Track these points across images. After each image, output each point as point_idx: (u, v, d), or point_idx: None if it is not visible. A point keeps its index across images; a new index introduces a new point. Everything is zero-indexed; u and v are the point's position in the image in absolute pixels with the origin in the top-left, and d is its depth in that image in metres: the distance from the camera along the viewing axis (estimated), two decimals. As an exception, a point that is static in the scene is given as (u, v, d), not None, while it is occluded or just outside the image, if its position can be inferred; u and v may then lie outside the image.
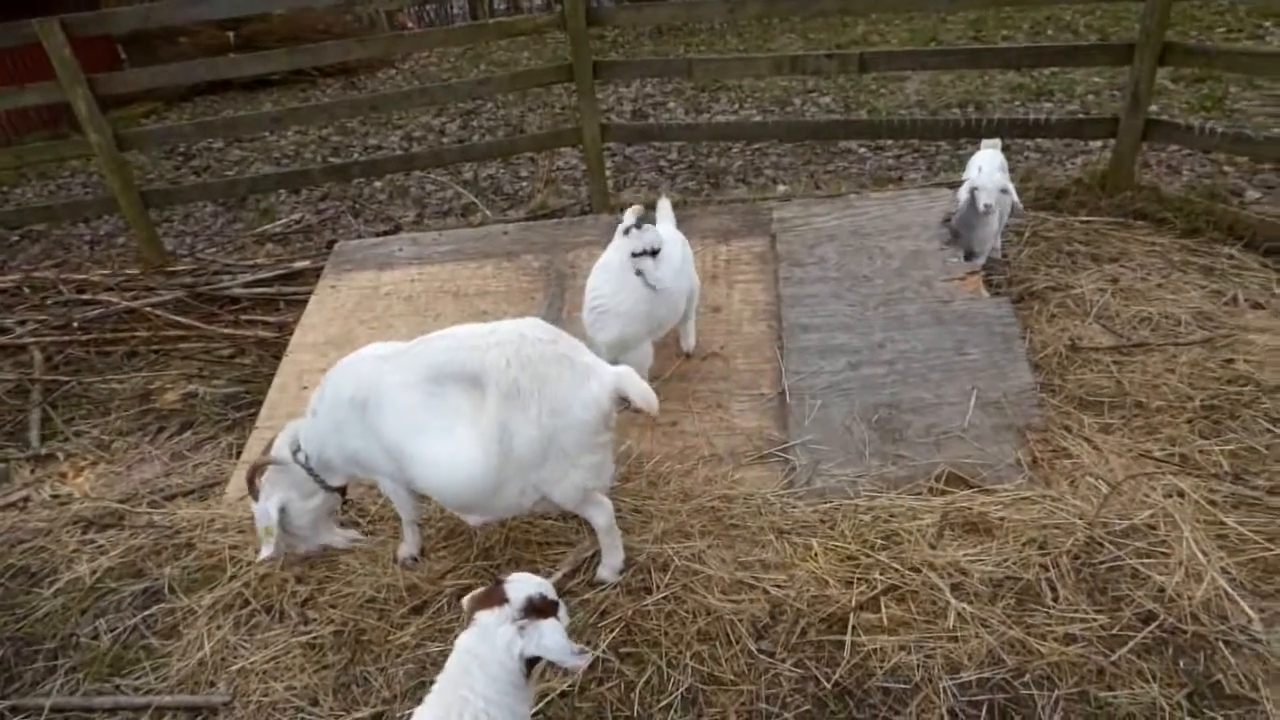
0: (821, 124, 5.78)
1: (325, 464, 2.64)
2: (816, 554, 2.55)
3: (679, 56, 9.24)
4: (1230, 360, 3.46)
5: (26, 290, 5.57)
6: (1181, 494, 2.71)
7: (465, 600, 1.78)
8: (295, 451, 2.59)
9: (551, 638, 1.65)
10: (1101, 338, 3.78)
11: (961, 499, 2.70)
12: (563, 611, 1.77)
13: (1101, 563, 2.46)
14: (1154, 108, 6.83)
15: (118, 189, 5.44)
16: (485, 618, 1.66)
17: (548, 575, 2.67)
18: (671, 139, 6.48)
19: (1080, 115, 6.72)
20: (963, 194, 3.68)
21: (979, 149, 4.17)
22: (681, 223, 3.95)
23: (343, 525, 3.02)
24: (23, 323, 5.10)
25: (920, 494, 2.76)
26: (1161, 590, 2.36)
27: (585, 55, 5.25)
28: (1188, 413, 3.16)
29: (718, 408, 3.18)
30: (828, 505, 2.76)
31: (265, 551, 2.64)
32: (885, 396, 3.09)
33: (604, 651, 2.38)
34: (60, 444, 4.08)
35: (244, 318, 4.95)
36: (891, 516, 2.67)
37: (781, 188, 6.21)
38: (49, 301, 5.36)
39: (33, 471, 3.94)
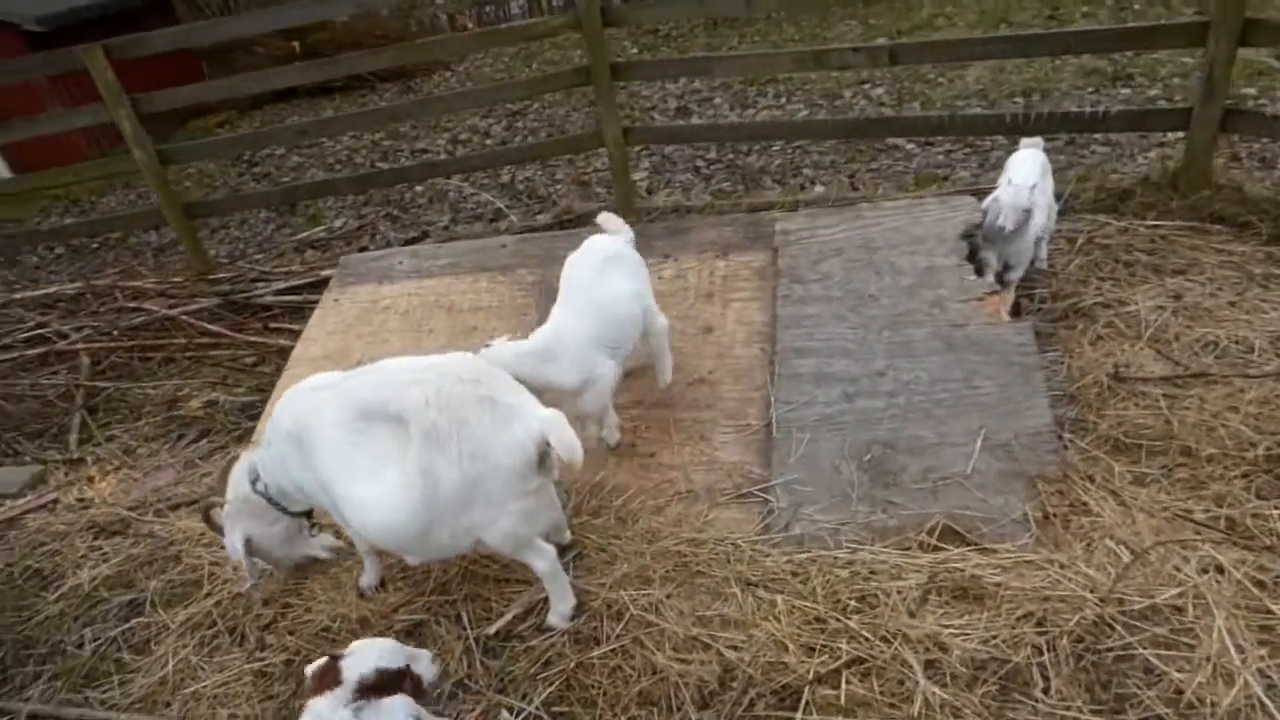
0: (859, 122, 5.42)
1: (282, 493, 2.61)
2: (781, 614, 2.31)
3: (700, 55, 8.89)
4: (1313, 401, 2.99)
5: (89, 297, 5.83)
6: (1221, 569, 2.27)
7: (307, 672, 1.64)
8: (254, 481, 2.56)
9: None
10: (1153, 365, 3.33)
11: (954, 558, 2.39)
12: (427, 666, 1.61)
13: (1109, 650, 2.10)
14: (1251, 90, 6.16)
15: (162, 201, 5.60)
16: (317, 704, 1.52)
17: (499, 615, 2.55)
18: (699, 140, 6.22)
19: (1151, 105, 6.08)
20: (989, 204, 3.34)
21: (1018, 148, 3.78)
22: (677, 235, 3.75)
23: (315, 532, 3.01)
24: (80, 329, 5.32)
25: (909, 548, 2.47)
26: (1179, 692, 1.97)
27: (602, 57, 5.07)
28: (1245, 464, 2.68)
29: (700, 439, 2.96)
30: (803, 555, 2.51)
31: (245, 586, 2.66)
32: (881, 433, 2.81)
33: (536, 708, 2.22)
34: (93, 448, 4.23)
35: (272, 325, 5.03)
36: (872, 574, 2.40)
37: (818, 188, 5.88)
38: (104, 309, 5.58)
39: (66, 474, 4.09)
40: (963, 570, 2.34)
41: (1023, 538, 2.42)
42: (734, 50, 10.40)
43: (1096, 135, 5.76)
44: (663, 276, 3.54)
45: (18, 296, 5.80)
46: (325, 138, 9.16)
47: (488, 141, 8.71)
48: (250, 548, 2.66)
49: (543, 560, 2.33)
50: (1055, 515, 2.51)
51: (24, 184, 8.21)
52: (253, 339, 4.75)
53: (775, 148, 6.82)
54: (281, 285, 5.22)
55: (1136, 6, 8.83)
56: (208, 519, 2.66)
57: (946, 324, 3.06)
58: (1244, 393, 3.07)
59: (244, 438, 3.85)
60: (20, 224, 9.16)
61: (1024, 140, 3.82)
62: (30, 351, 4.98)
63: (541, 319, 3.52)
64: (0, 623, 3.11)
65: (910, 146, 6.34)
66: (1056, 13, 9.09)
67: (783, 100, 8.03)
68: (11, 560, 3.46)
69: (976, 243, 3.41)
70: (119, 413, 4.50)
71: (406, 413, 2.10)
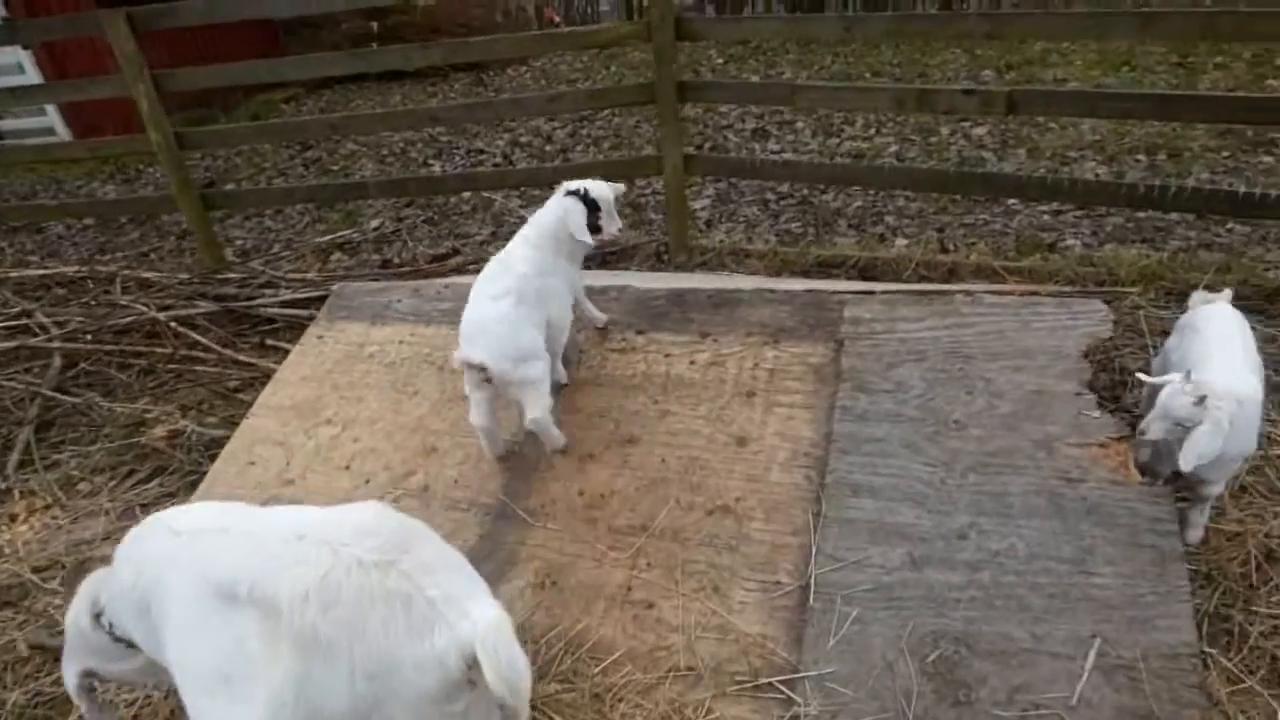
0: (956, 176, 4.65)
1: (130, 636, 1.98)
2: None
3: (782, 82, 8.11)
4: None
5: (89, 283, 5.45)
6: None
7: None
8: (99, 615, 1.95)
9: None
10: (1317, 540, 2.57)
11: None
12: None
13: None
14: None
15: (176, 188, 5.19)
16: None
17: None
18: (768, 178, 5.52)
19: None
20: (1175, 404, 2.10)
21: (1196, 303, 2.60)
22: (722, 309, 3.09)
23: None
24: (63, 323, 4.90)
25: (979, 812, 1.78)
26: None
27: (669, 74, 4.42)
28: None
29: (714, 592, 2.30)
30: (832, 798, 1.84)
31: None
32: (955, 622, 2.10)
33: None
34: (30, 474, 3.75)
35: (269, 342, 4.53)
36: None
37: (900, 242, 5.13)
38: (98, 301, 5.18)
39: (-7, 506, 3.59)
40: None
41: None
42: (825, 69, 9.64)
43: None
44: (695, 362, 2.89)
45: (14, 275, 5.43)
46: (353, 135, 8.69)
47: (548, 147, 8.18)
48: (94, 683, 2.06)
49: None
50: (1194, 796, 1.78)
51: (74, 150, 8.02)
52: (242, 358, 4.25)
53: (857, 187, 6.08)
54: (289, 295, 4.73)
55: (1278, 62, 7.77)
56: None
57: (1055, 475, 2.33)
58: None
59: (197, 484, 3.33)
60: (60, 186, 8.98)
61: (1197, 295, 2.66)
62: (2, 344, 4.55)
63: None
64: None
65: (1013, 201, 5.53)
66: (1186, 61, 8.09)
67: (871, 132, 7.26)
68: None
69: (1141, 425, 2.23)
70: (76, 429, 4.01)
71: (279, 606, 1.49)
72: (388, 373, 3.22)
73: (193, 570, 1.62)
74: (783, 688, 2.08)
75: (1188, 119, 5.41)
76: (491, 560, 2.53)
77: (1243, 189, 4.11)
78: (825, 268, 4.69)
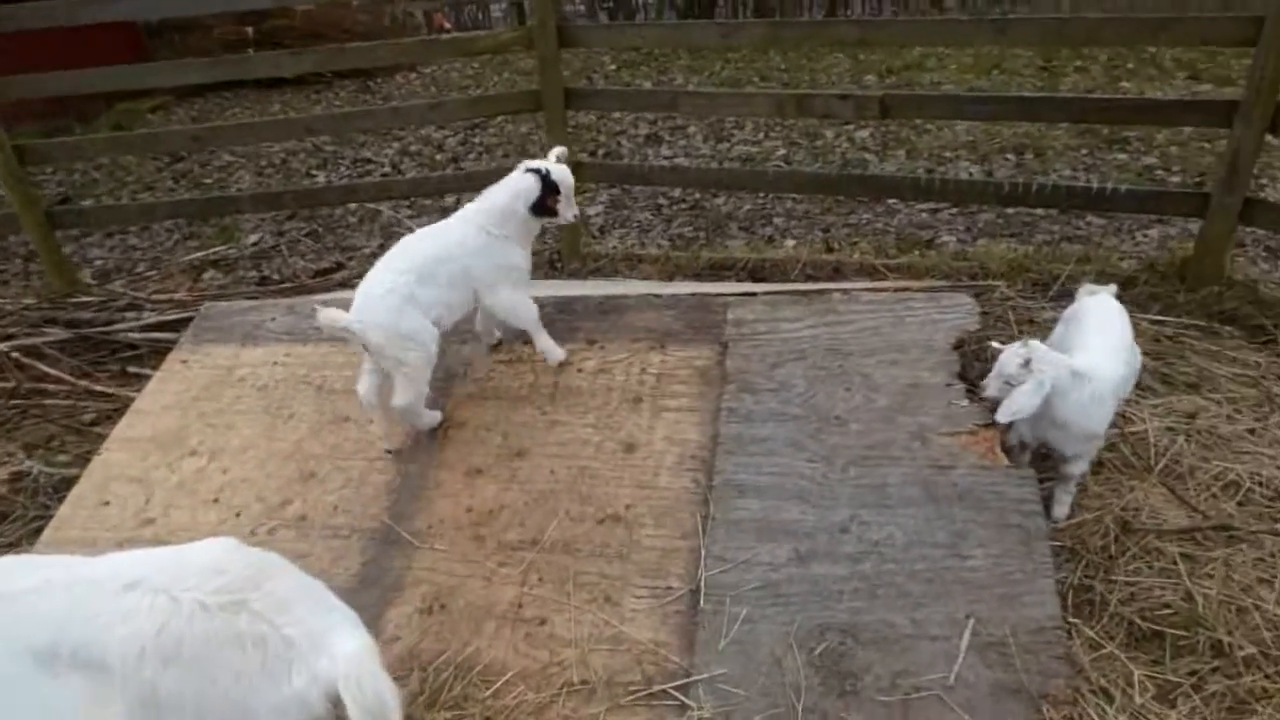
0: (837, 178, 4.81)
1: None
2: None
3: (666, 90, 8.24)
4: (1360, 572, 2.42)
5: (-75, 311, 4.95)
6: None
7: None
8: None
9: None
10: (1167, 511, 2.74)
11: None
12: None
13: None
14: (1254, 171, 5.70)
15: (18, 206, 4.77)
16: None
17: None
18: (658, 183, 5.55)
19: (1157, 186, 5.54)
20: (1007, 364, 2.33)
21: (1082, 295, 2.80)
22: (608, 317, 3.07)
23: None
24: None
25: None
26: None
27: (556, 81, 4.39)
28: None
29: (606, 602, 2.28)
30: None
31: None
32: (841, 614, 2.15)
33: None
34: None
35: (132, 370, 4.21)
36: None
37: (789, 243, 5.26)
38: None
39: None
40: None
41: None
42: (716, 75, 9.81)
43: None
44: (583, 370, 2.86)
45: None
46: (221, 147, 8.24)
47: (439, 156, 7.99)
48: None
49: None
50: (1064, 761, 1.87)
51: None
52: (100, 388, 3.94)
53: (746, 191, 6.19)
54: (154, 318, 4.42)
55: (1130, 65, 8.42)
56: None
57: (929, 464, 2.41)
58: (1275, 557, 2.55)
59: (41, 532, 3.04)
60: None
61: (1087, 286, 2.88)
62: None
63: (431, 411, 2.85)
64: None
65: (893, 200, 5.75)
66: (1050, 64, 8.65)
67: (761, 136, 7.42)
68: None
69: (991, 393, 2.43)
70: (-101, 476, 3.64)
71: (111, 663, 1.36)
72: (260, 396, 3.04)
73: (5, 631, 1.46)
74: (676, 693, 2.08)
75: (1047, 119, 5.77)
76: (376, 587, 2.43)
77: (1095, 184, 4.39)
78: (717, 270, 4.74)
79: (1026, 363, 2.26)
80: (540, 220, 2.89)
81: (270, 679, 1.36)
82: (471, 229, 2.82)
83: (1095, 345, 2.47)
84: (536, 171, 2.85)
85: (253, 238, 6.34)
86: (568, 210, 2.92)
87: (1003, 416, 2.26)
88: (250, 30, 11.81)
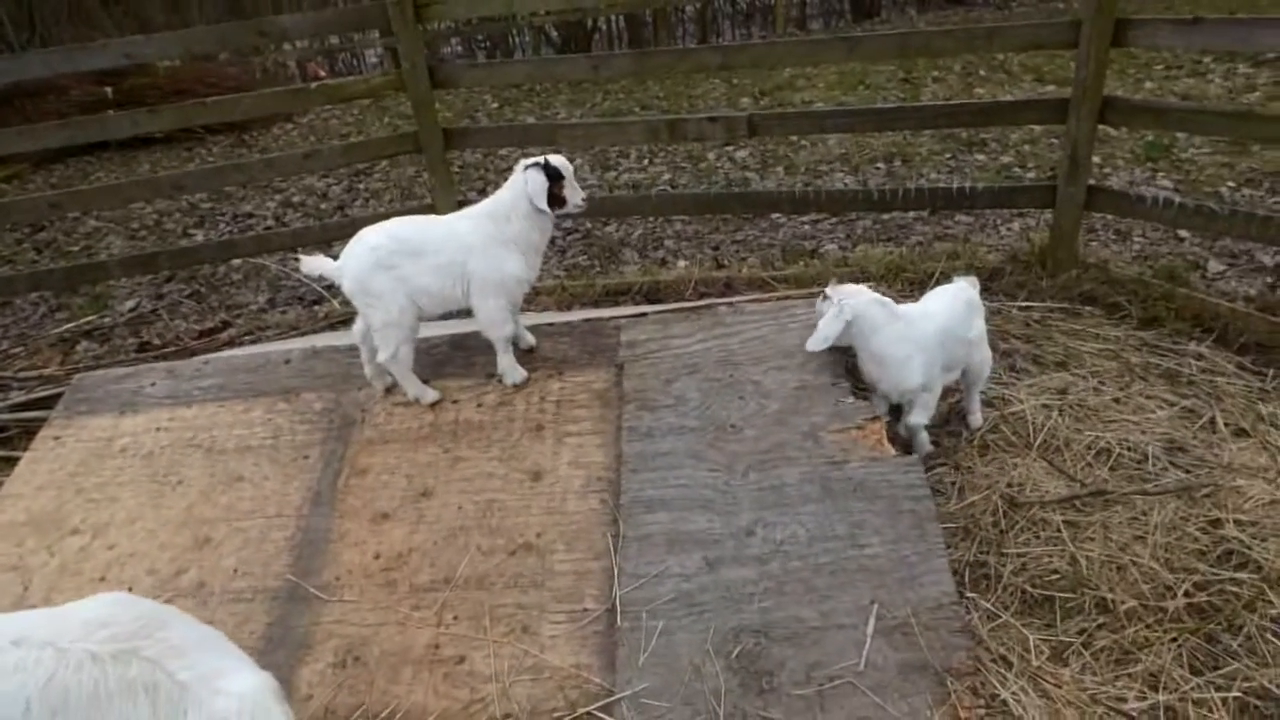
0: (719, 197, 4.97)
1: None
2: None
3: (542, 123, 8.44)
4: (1217, 522, 2.65)
5: None
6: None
7: None
8: None
9: None
10: (1049, 482, 2.95)
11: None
12: None
13: None
14: (1095, 159, 6.21)
15: None
16: None
17: None
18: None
19: (1013, 182, 6.00)
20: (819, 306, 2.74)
21: (948, 282, 3.06)
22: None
23: None
24: None
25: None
26: None
27: (433, 122, 4.40)
28: (1169, 621, 2.32)
29: (524, 632, 2.26)
30: (657, 815, 1.85)
31: None
32: (752, 615, 2.21)
33: None
34: None
35: (0, 453, 3.93)
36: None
37: (681, 264, 5.39)
38: None
39: None
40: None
41: (936, 767, 1.86)
42: (598, 106, 10.00)
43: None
44: (483, 404, 2.85)
45: None
46: (84, 211, 7.87)
47: (323, 204, 7.83)
48: None
49: None
50: (970, 723, 1.97)
51: None
52: (-34, 475, 3.67)
53: (635, 216, 6.32)
54: (21, 397, 4.15)
55: (982, 73, 9.07)
56: None
57: (823, 461, 2.52)
58: (1146, 516, 2.79)
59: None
60: None
61: (957, 279, 3.11)
62: None
63: (324, 465, 2.78)
64: None
65: (776, 215, 5.99)
66: (910, 76, 9.21)
67: (645, 162, 7.60)
68: None
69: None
70: None
71: None
72: (145, 465, 2.89)
73: None
74: (601, 715, 2.08)
75: (904, 127, 6.15)
76: (284, 648, 2.34)
77: (956, 185, 4.71)
78: (613, 296, 4.81)
79: (826, 298, 2.66)
80: (550, 217, 2.89)
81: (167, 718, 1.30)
82: (472, 224, 2.86)
83: (920, 303, 2.86)
84: (536, 163, 2.87)
85: (129, 303, 6.03)
86: (575, 195, 2.95)
87: (811, 345, 2.58)
88: (109, 90, 11.28)
